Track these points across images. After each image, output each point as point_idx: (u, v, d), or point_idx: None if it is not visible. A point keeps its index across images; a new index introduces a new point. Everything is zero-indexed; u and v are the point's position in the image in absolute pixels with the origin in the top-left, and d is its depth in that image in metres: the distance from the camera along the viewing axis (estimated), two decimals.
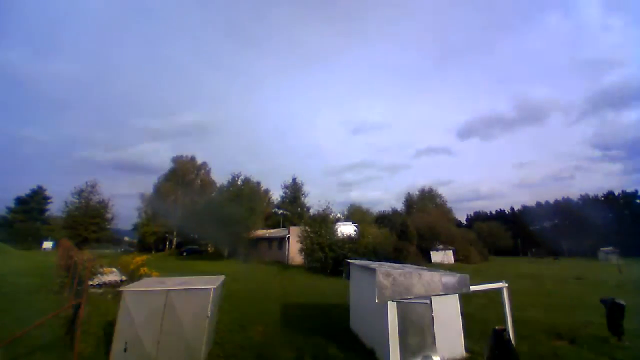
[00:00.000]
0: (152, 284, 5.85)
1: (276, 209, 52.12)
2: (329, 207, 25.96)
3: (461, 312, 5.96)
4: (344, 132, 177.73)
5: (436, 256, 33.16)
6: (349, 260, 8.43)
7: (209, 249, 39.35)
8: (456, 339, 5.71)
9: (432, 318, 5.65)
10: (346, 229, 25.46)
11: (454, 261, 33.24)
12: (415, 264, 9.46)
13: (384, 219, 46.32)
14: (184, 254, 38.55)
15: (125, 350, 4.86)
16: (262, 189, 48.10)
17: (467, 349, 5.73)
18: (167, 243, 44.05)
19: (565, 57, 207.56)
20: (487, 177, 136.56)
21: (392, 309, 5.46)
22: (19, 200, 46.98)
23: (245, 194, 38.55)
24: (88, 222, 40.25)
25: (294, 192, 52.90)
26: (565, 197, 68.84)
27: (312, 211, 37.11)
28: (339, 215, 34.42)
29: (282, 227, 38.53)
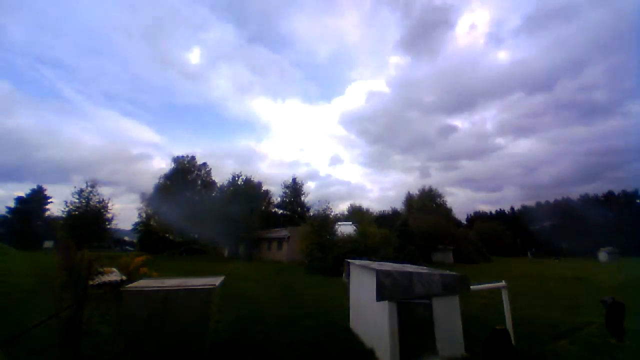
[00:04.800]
0: (152, 284, 5.85)
1: (276, 209, 52.15)
2: (329, 207, 26.01)
3: (461, 312, 5.95)
4: None
5: (436, 256, 33.17)
6: (348, 260, 8.43)
7: (209, 249, 39.36)
8: (456, 339, 5.71)
9: (432, 318, 5.65)
10: (346, 229, 25.46)
11: (454, 261, 33.25)
12: (415, 264, 9.45)
13: (384, 219, 46.34)
14: (184, 254, 38.57)
15: (125, 350, 4.86)
16: (263, 189, 48.12)
17: (467, 349, 5.72)
18: (167, 243, 44.01)
19: None
20: None
21: (392, 309, 5.46)
22: (19, 200, 47.04)
23: (245, 194, 38.55)
24: (88, 222, 40.24)
25: (294, 192, 52.96)
26: (565, 197, 68.95)
27: (312, 211, 37.14)
28: (339, 215, 34.45)
29: (282, 227, 38.51)
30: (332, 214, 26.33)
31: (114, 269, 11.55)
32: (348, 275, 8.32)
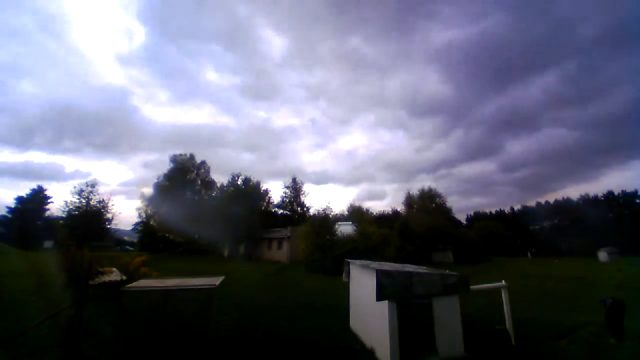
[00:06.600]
0: (152, 283, 5.86)
1: (276, 209, 52.15)
2: (329, 207, 26.06)
3: (461, 312, 5.95)
4: None
5: (436, 256, 33.13)
6: (348, 260, 8.43)
7: (209, 248, 39.34)
8: (456, 339, 5.71)
9: (432, 318, 5.65)
10: (346, 229, 25.48)
11: (454, 261, 33.23)
12: (415, 264, 9.45)
13: (384, 219, 46.33)
14: (184, 254, 38.53)
15: (126, 350, 4.86)
16: (262, 188, 48.10)
17: (467, 349, 5.73)
18: (167, 243, 44.04)
19: None
20: None
21: (392, 309, 5.46)
22: (19, 200, 47.12)
23: (245, 194, 38.55)
24: (88, 222, 40.36)
25: (294, 192, 52.99)
26: (565, 197, 68.99)
27: (312, 211, 37.20)
28: (338, 215, 34.50)
29: (282, 227, 38.53)
30: (332, 214, 26.39)
31: (114, 269, 11.53)
32: (348, 275, 8.32)
